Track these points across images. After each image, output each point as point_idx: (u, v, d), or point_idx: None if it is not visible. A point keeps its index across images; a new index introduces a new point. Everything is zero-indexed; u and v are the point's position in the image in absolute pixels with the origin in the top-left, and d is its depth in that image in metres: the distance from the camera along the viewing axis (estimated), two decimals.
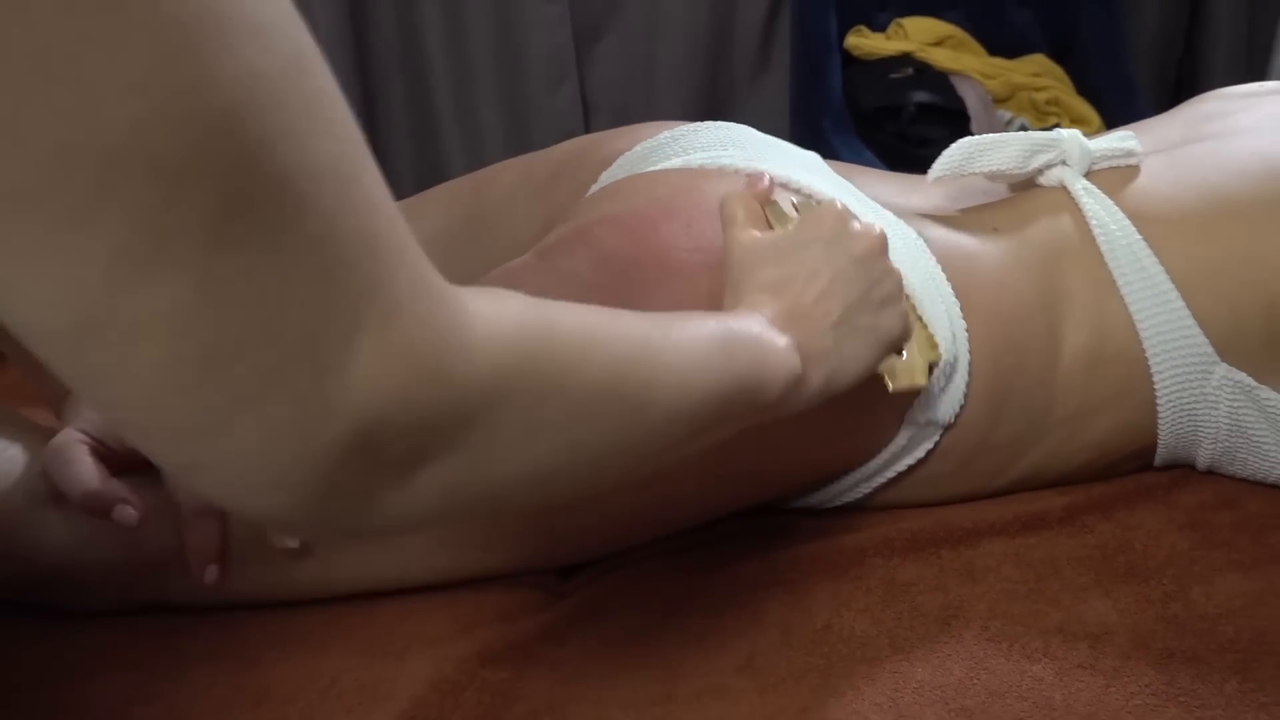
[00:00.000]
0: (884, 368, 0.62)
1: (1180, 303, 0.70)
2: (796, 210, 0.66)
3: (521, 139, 2.29)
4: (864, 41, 2.17)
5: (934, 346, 0.67)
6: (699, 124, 0.80)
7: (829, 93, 2.15)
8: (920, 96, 2.10)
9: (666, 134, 0.79)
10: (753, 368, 0.51)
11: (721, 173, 0.71)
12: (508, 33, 2.21)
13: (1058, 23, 2.29)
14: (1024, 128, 2.16)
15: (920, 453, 0.70)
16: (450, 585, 0.68)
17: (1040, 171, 0.76)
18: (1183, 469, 0.76)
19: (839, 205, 0.62)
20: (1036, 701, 0.57)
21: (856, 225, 0.61)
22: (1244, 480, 0.74)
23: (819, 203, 0.64)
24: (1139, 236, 0.71)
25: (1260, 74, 2.45)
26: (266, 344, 0.31)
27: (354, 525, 0.36)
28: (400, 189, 2.24)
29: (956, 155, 0.75)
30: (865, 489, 0.72)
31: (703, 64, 2.30)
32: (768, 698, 0.58)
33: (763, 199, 0.66)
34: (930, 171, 0.77)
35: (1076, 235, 0.73)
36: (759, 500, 0.72)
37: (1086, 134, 2.19)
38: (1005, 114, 2.16)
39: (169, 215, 0.28)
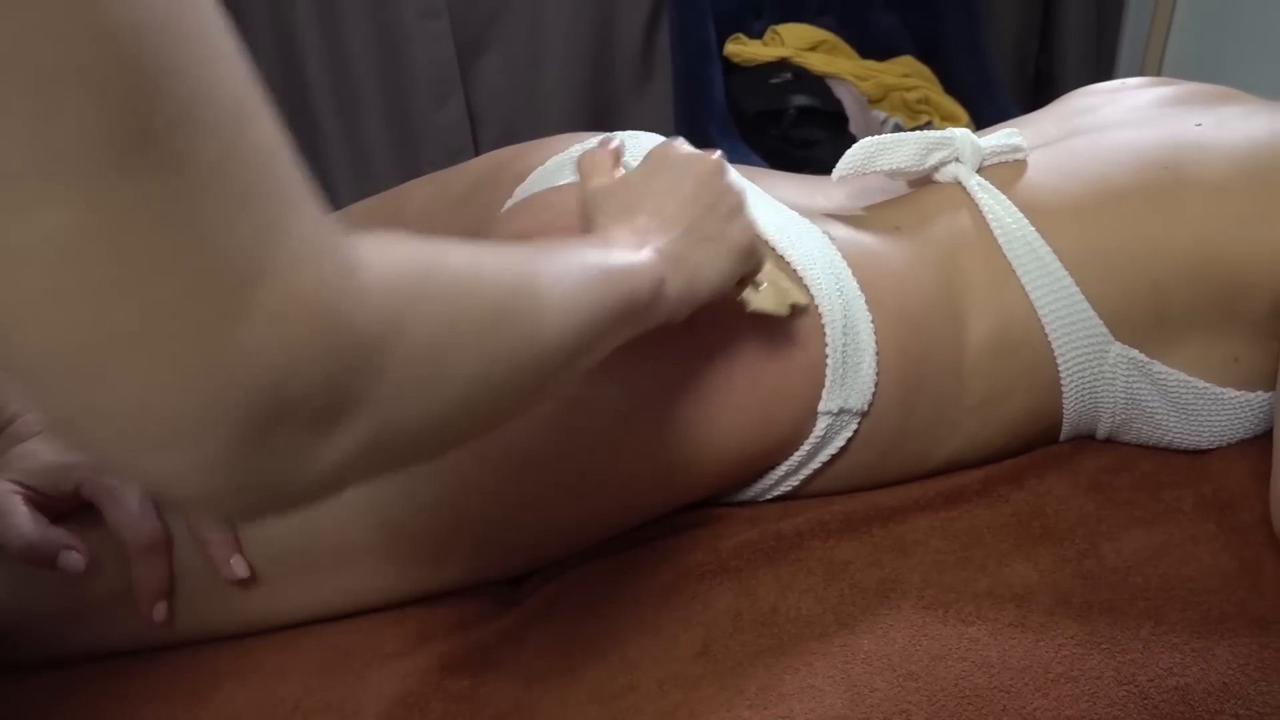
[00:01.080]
0: (744, 293, 0.66)
1: (1075, 287, 0.74)
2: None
3: (409, 156, 2.28)
4: (743, 49, 2.23)
5: (796, 289, 0.70)
6: (608, 136, 0.82)
7: (712, 99, 2.19)
8: (800, 100, 2.16)
9: (577, 147, 0.81)
10: (624, 284, 0.53)
11: None
12: (390, 51, 2.19)
13: (922, 25, 2.39)
14: (898, 126, 2.24)
15: (840, 441, 0.73)
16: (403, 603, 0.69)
17: (936, 168, 0.81)
18: (1083, 438, 0.82)
19: (676, 142, 0.67)
20: (975, 661, 0.61)
21: (694, 151, 0.66)
22: (1138, 445, 0.81)
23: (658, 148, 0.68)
24: (1032, 227, 0.75)
25: (1109, 66, 2.61)
26: (163, 279, 0.29)
27: (270, 493, 0.34)
28: None
29: (858, 155, 0.79)
30: (794, 481, 0.75)
31: (587, 74, 2.32)
32: (727, 680, 0.61)
33: (615, 156, 0.69)
34: (835, 171, 0.80)
35: (974, 229, 0.77)
36: (697, 497, 0.74)
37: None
38: (880, 114, 2.24)
39: (57, 131, 0.27)
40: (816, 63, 2.24)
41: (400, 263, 0.38)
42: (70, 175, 0.27)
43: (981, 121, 2.32)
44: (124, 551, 0.61)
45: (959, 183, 0.80)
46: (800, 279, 0.71)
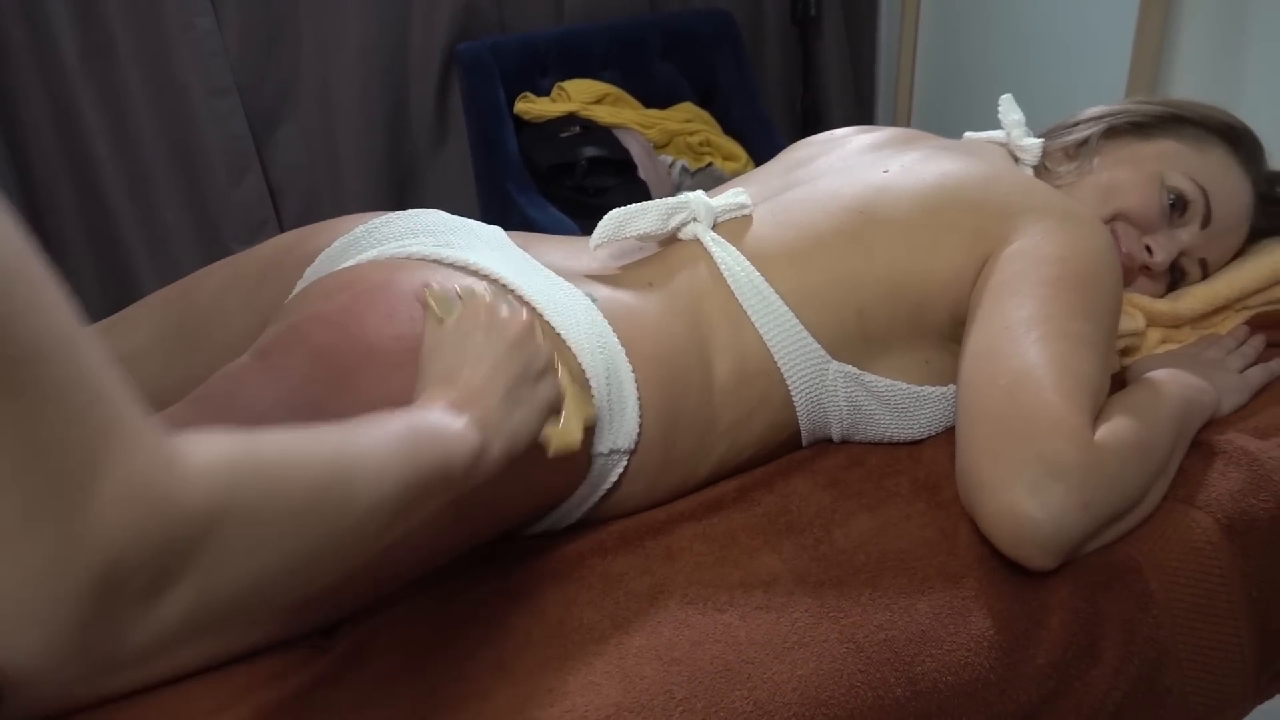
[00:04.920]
0: (542, 435, 0.72)
1: (794, 320, 0.88)
2: (460, 295, 0.75)
3: (211, 233, 2.28)
4: (532, 106, 2.34)
5: (588, 403, 0.77)
6: (391, 215, 0.90)
7: (507, 157, 2.29)
8: (590, 151, 2.28)
9: (361, 228, 0.88)
10: (437, 450, 0.58)
11: (409, 261, 0.81)
12: (179, 130, 2.20)
13: (698, 74, 2.56)
14: (685, 168, 2.40)
15: (614, 477, 0.83)
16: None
17: (678, 229, 0.94)
18: (823, 443, 0.95)
19: (487, 298, 0.73)
20: (728, 641, 0.72)
21: (505, 312, 0.72)
22: (868, 443, 0.94)
23: (471, 292, 0.74)
24: (757, 273, 0.89)
25: (868, 101, 2.86)
26: (14, 488, 0.35)
27: (106, 656, 0.39)
28: (87, 301, 2.23)
29: (610, 225, 0.92)
30: (578, 514, 0.85)
31: (383, 141, 2.38)
32: (520, 689, 0.69)
33: (420, 297, 0.75)
34: (592, 240, 0.92)
35: (710, 279, 0.90)
36: (494, 534, 0.83)
37: (736, 168, 2.47)
38: (667, 158, 2.39)
39: None
40: (603, 115, 2.37)
41: (218, 456, 0.43)
42: None
43: (760, 158, 2.51)
44: None
45: (698, 240, 0.93)
46: (567, 345, 0.80)
